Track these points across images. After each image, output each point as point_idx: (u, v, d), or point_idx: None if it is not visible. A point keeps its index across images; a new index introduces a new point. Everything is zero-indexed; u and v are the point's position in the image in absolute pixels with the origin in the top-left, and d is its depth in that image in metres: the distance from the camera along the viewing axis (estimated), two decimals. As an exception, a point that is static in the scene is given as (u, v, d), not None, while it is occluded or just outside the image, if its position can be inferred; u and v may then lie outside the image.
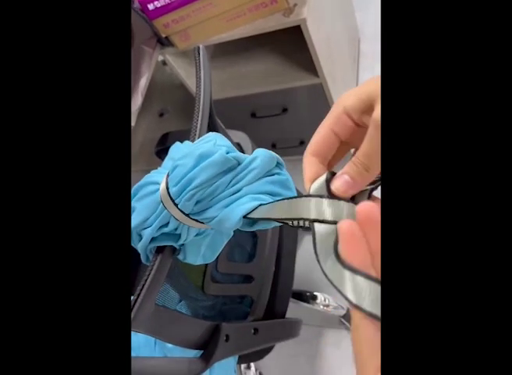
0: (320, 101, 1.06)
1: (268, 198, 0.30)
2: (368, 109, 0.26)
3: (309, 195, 0.27)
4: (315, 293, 0.98)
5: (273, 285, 0.75)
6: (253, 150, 0.77)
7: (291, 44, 1.03)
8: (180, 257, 0.40)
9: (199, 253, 0.39)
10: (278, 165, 0.33)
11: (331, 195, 0.27)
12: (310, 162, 0.29)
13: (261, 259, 0.73)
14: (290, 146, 1.28)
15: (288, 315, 0.82)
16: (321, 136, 0.28)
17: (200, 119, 0.48)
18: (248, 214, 0.30)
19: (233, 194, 0.32)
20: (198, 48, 0.54)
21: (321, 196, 0.27)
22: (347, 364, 1.10)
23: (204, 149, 0.32)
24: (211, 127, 0.59)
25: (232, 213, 0.31)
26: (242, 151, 0.77)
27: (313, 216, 0.27)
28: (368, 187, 0.28)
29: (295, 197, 0.29)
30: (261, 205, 0.30)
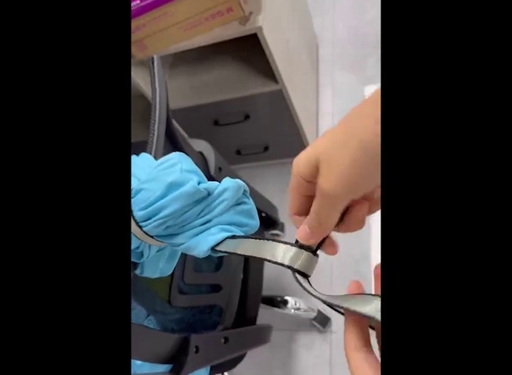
0: (281, 107, 1.07)
1: (235, 229, 0.33)
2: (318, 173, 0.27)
3: (277, 240, 0.30)
4: (286, 297, 0.99)
5: (242, 292, 0.75)
6: (216, 158, 0.77)
7: (251, 51, 1.04)
8: (137, 272, 0.40)
9: (157, 268, 0.39)
10: (244, 192, 0.35)
11: (297, 243, 0.29)
12: (295, 220, 0.30)
13: (228, 268, 0.72)
14: (255, 152, 1.29)
15: (260, 321, 0.82)
16: (292, 200, 0.30)
17: (156, 129, 0.47)
18: (216, 245, 0.32)
19: (203, 223, 0.33)
20: (152, 58, 0.54)
21: (286, 242, 0.30)
22: (320, 364, 1.11)
23: (174, 178, 0.32)
24: (170, 137, 0.59)
25: (201, 243, 0.32)
26: (205, 160, 0.77)
27: (276, 260, 0.29)
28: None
29: (264, 238, 0.31)
30: (228, 238, 0.32)
